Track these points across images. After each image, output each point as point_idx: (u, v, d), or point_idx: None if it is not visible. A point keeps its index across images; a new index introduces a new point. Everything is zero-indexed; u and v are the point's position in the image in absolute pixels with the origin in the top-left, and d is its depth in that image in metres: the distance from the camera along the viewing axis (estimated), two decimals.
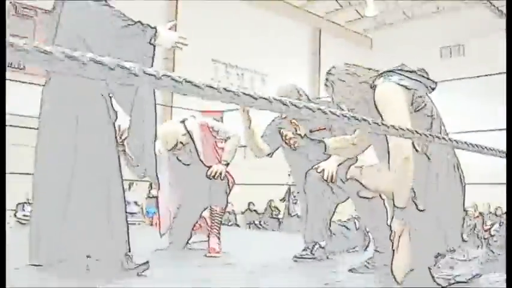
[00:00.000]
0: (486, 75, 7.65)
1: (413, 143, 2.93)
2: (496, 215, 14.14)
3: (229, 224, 13.37)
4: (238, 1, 16.93)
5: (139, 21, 3.03)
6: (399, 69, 3.10)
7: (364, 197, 3.43)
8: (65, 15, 3.04)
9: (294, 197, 7.79)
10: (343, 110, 3.33)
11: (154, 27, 3.05)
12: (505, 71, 3.99)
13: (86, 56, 0.89)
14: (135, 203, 13.93)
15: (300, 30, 19.07)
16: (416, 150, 2.95)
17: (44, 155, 3.06)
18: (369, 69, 3.24)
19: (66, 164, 2.96)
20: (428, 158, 2.97)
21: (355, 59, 3.30)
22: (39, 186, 3.08)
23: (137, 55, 2.97)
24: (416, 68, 3.12)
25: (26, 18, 11.47)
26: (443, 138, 1.73)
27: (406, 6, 18.10)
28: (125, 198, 3.14)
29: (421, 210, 2.94)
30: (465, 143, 1.85)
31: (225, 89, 1.07)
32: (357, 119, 1.34)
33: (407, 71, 3.09)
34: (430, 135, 1.74)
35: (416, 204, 2.93)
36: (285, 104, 1.20)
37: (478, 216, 13.34)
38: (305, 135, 3.61)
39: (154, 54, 3.06)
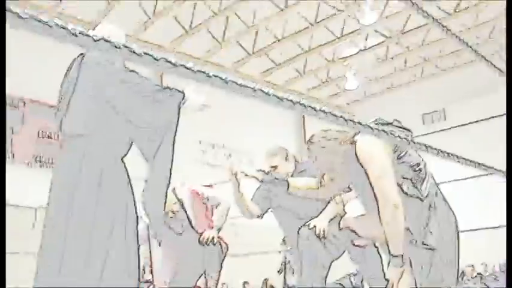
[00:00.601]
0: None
1: (401, 187, 3.00)
2: (495, 277, 13.97)
3: None
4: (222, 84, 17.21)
5: (167, 86, 3.04)
6: (376, 123, 3.20)
7: (359, 246, 3.46)
8: (86, 77, 2.99)
9: (291, 266, 7.71)
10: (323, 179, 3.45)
11: (182, 91, 3.04)
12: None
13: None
14: None
15: (284, 108, 19.31)
16: (406, 194, 3.01)
17: (59, 225, 2.85)
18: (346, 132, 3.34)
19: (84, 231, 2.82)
20: (421, 200, 3.03)
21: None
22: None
23: (164, 119, 3.00)
24: (392, 120, 3.23)
25: (13, 108, 11.65)
26: (436, 149, 1.79)
27: (386, 76, 18.54)
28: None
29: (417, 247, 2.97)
30: (458, 157, 1.91)
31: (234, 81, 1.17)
32: (353, 121, 1.41)
33: (383, 124, 3.19)
34: (418, 143, 1.81)
35: (416, 242, 2.96)
36: (281, 99, 1.29)
37: (475, 277, 13.20)
38: (262, 179, 3.69)
39: (179, 118, 3.02)
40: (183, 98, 3.03)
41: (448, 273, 3.04)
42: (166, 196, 3.10)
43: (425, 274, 2.96)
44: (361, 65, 17.74)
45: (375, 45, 16.90)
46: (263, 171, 3.71)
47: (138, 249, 2.97)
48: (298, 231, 4.18)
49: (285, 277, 7.94)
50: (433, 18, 2.59)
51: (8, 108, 11.54)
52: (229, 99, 17.67)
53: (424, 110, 17.87)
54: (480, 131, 13.33)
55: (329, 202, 4.13)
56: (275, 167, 4.31)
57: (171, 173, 3.07)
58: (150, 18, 13.91)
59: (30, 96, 11.85)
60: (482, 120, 11.38)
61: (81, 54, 3.07)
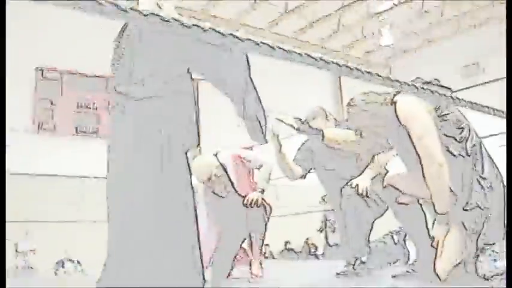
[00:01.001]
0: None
1: (444, 145, 3.00)
2: None
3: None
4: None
5: None
6: (415, 83, 3.18)
7: (403, 203, 3.48)
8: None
9: (332, 224, 7.70)
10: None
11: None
12: None
13: None
14: None
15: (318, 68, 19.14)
16: (450, 152, 3.01)
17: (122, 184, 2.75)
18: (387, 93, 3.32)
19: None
20: (467, 154, 3.02)
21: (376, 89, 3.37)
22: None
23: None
24: (432, 79, 3.21)
25: (52, 80, 11.81)
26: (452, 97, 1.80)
27: (423, 30, 18.19)
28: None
29: (466, 210, 2.97)
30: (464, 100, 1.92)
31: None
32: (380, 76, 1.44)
33: (423, 83, 3.17)
34: (457, 98, 1.82)
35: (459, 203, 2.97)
36: (316, 59, 1.34)
37: None
38: (298, 127, 3.68)
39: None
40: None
41: (494, 228, 3.05)
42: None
43: (470, 232, 2.97)
44: (397, 20, 17.43)
45: None
46: (300, 119, 3.72)
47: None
48: (340, 191, 4.22)
49: (326, 235, 7.96)
50: None
51: (46, 80, 11.73)
52: (259, 60, 17.57)
53: (462, 63, 17.52)
54: None
55: (371, 161, 4.16)
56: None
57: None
58: None
59: (68, 68, 11.98)
60: None
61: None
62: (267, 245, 13.47)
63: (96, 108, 12.15)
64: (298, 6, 16.20)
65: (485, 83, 12.98)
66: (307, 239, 14.72)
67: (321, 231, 8.04)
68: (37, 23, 10.55)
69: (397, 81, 1.52)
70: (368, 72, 1.40)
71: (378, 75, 1.42)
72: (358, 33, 18.91)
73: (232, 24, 15.52)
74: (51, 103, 11.86)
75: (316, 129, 3.70)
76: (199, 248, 2.72)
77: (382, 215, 4.23)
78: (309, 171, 4.53)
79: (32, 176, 10.05)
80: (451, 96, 2.02)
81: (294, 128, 3.69)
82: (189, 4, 14.64)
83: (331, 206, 4.62)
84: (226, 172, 4.69)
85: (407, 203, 3.49)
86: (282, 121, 3.73)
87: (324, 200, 7.93)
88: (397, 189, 3.41)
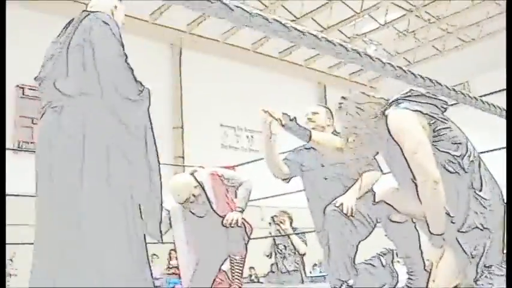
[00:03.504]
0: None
1: (439, 162, 2.81)
2: None
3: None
4: (241, 64, 17.14)
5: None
6: (407, 96, 3.01)
7: (396, 221, 3.28)
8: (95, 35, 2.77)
9: (280, 250, 7.33)
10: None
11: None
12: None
13: None
14: (156, 278, 13.69)
15: (304, 87, 19.19)
16: (445, 169, 2.82)
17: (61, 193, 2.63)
18: (380, 97, 3.15)
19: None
20: (464, 171, 2.83)
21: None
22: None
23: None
24: (425, 91, 3.02)
25: (33, 98, 11.64)
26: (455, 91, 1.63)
27: (408, 51, 18.26)
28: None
29: (462, 232, 2.78)
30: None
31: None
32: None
33: (417, 95, 2.99)
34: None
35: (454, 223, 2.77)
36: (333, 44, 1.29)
37: None
38: (285, 123, 3.48)
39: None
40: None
41: (494, 250, 2.84)
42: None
43: (470, 256, 2.77)
44: (382, 41, 17.48)
45: (395, 19, 16.62)
46: (288, 115, 3.51)
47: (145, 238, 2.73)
48: (324, 210, 4.01)
49: (276, 262, 7.58)
50: None
51: (27, 98, 11.57)
52: (247, 81, 17.57)
53: (448, 83, 17.54)
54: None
55: (358, 179, 3.97)
56: (312, 122, 4.21)
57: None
58: None
59: None
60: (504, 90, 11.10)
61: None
62: (252, 267, 13.20)
63: None
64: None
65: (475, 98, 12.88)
66: (251, 268, 14.01)
67: (269, 257, 7.55)
68: (18, 40, 10.39)
69: (417, 75, 1.38)
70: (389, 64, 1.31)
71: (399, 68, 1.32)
72: None
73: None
74: (32, 121, 11.69)
75: (305, 128, 3.49)
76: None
77: (367, 237, 4.03)
78: (293, 176, 4.31)
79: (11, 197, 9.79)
80: (461, 92, 1.84)
81: (280, 123, 3.47)
82: None
83: (315, 227, 4.39)
84: (205, 191, 4.49)
85: (400, 221, 3.28)
86: (269, 114, 3.52)
87: (273, 220, 7.56)
88: (390, 205, 3.20)
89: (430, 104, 2.98)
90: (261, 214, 9.68)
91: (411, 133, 2.84)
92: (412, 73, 1.33)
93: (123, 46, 2.79)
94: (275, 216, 7.27)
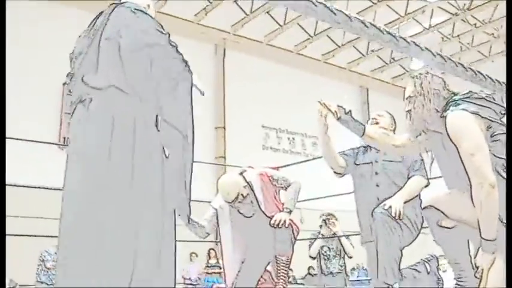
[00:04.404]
0: None
1: (494, 167, 2.79)
2: None
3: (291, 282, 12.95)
4: (284, 66, 17.16)
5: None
6: (466, 97, 2.99)
7: (445, 227, 3.25)
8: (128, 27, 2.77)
9: (324, 252, 7.29)
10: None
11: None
12: None
13: None
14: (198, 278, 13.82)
15: (347, 90, 19.10)
16: (499, 174, 2.80)
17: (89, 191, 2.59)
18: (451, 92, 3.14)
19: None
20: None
21: (403, 113, 3.22)
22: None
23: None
24: (485, 94, 3.00)
25: None
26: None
27: (452, 55, 18.04)
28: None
29: None
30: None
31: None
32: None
33: (476, 98, 2.98)
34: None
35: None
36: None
37: None
38: (340, 116, 3.52)
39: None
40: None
41: None
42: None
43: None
44: (426, 45, 17.31)
45: (440, 23, 16.44)
46: (343, 108, 3.55)
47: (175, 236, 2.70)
48: (372, 212, 4.03)
49: (320, 264, 7.55)
50: None
51: None
52: (289, 82, 17.55)
53: None
54: None
55: (406, 183, 3.98)
56: (376, 123, 4.31)
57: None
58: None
59: None
60: None
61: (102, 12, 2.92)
62: (290, 269, 13.19)
63: None
64: (326, 29, 16.15)
65: None
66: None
67: (314, 259, 7.52)
68: (66, 38, 10.56)
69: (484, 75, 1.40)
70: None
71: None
72: (387, 58, 18.79)
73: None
74: None
75: (359, 123, 3.51)
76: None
77: (410, 243, 4.04)
78: (347, 173, 4.36)
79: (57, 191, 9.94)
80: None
81: (334, 115, 3.52)
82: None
83: (363, 231, 4.40)
84: (253, 191, 4.52)
85: (450, 227, 3.26)
86: (325, 106, 3.57)
87: (325, 222, 7.51)
88: (439, 210, 3.18)
89: (489, 108, 2.97)
90: (300, 216, 9.68)
91: (470, 135, 2.80)
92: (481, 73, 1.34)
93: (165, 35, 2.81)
94: (327, 218, 7.25)
